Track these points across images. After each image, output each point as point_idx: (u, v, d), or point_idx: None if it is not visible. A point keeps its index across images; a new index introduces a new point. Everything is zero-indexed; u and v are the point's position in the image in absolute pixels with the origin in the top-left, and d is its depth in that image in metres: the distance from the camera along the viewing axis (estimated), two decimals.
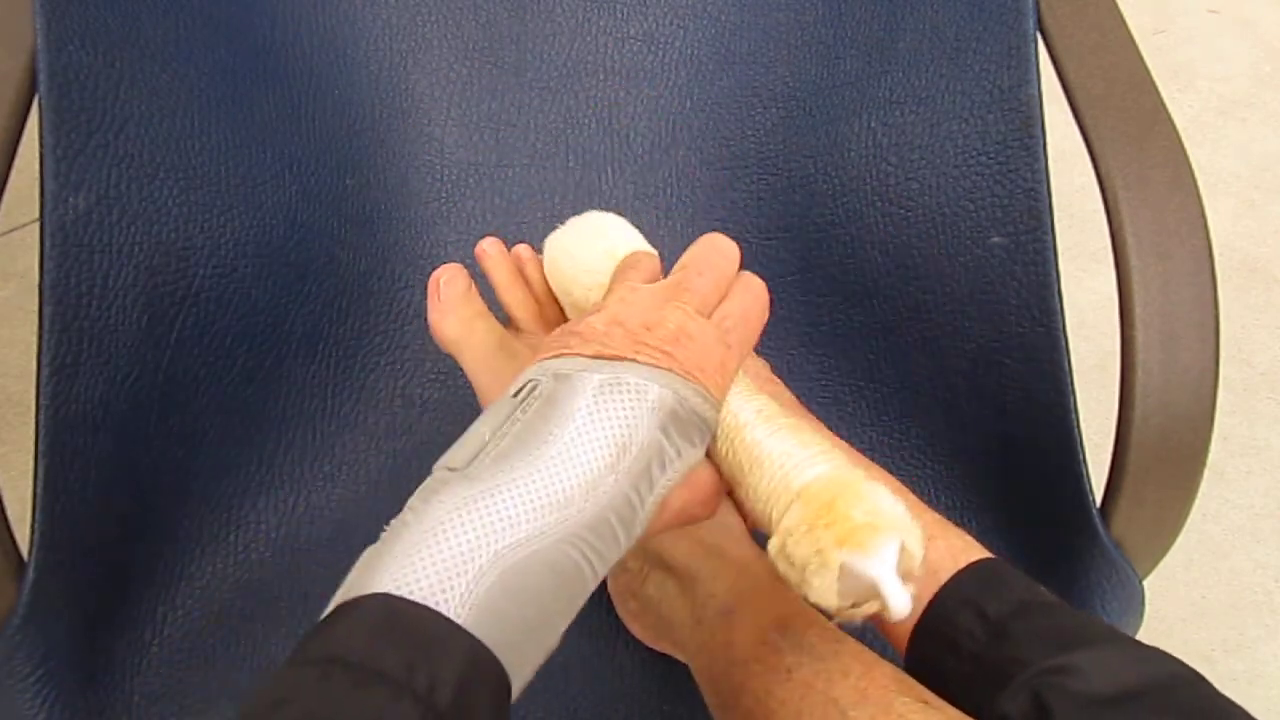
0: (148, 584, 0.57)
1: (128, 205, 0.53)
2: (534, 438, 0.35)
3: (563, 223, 0.54)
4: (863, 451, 0.65)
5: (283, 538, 0.60)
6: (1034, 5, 0.58)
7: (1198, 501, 0.53)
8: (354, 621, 0.31)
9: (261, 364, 0.61)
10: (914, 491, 0.63)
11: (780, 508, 0.39)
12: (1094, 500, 0.54)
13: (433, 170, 0.71)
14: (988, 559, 0.45)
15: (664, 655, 0.56)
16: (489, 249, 0.54)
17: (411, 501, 0.35)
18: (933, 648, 0.43)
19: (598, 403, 0.36)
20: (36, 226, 0.51)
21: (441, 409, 0.67)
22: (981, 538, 0.60)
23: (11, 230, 1.20)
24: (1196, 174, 0.53)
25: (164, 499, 0.57)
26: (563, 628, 0.34)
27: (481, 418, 0.37)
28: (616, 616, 0.57)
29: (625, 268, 0.46)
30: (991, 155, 0.58)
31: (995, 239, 0.58)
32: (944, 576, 0.44)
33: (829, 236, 0.67)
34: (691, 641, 0.48)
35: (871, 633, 0.55)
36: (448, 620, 0.31)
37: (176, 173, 0.56)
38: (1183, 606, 1.01)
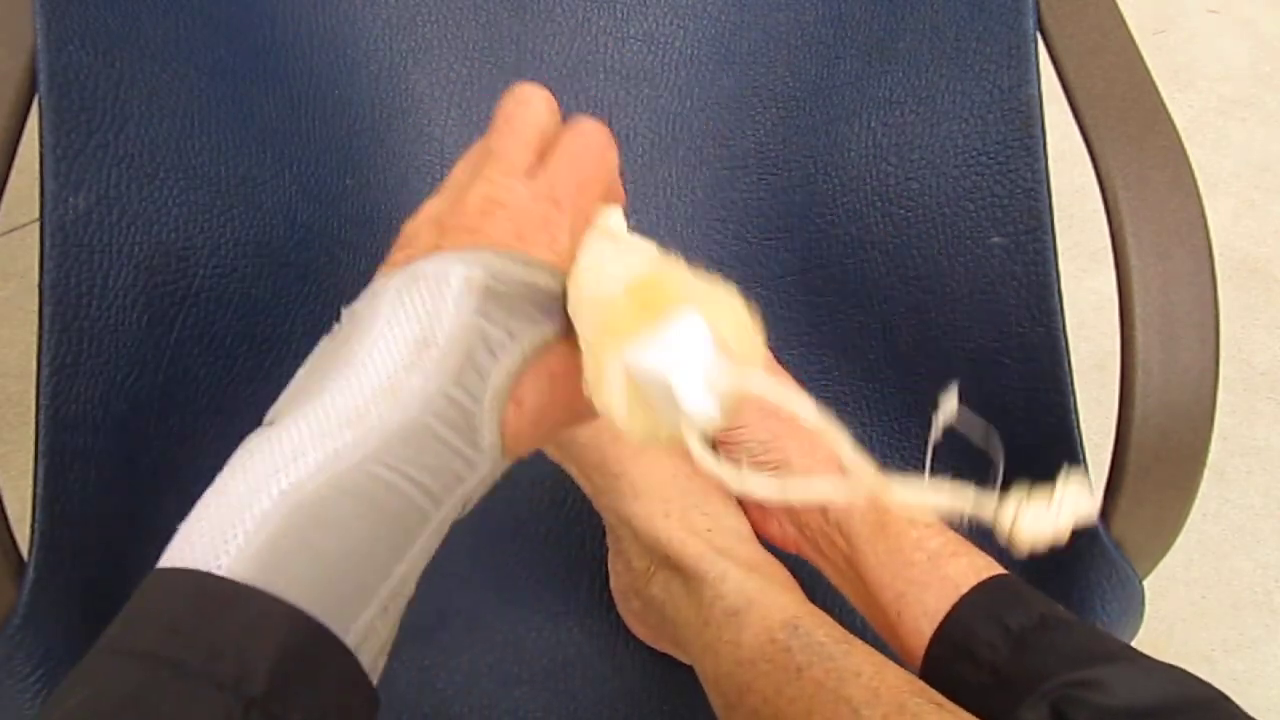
0: None
1: (128, 205, 0.53)
2: (332, 362, 0.31)
3: None
4: (863, 451, 0.65)
5: None
6: (1034, 5, 0.58)
7: (1198, 501, 0.53)
8: (143, 605, 0.28)
9: (261, 364, 0.61)
10: None
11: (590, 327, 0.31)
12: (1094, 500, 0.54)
13: (433, 170, 0.71)
14: (1008, 575, 0.45)
15: (664, 655, 0.56)
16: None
17: None
18: (950, 656, 0.43)
19: (394, 307, 0.32)
20: (36, 226, 0.51)
21: None
22: (981, 538, 0.60)
23: (11, 230, 1.20)
24: (1196, 174, 0.53)
25: (164, 499, 0.57)
26: (397, 564, 0.29)
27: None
28: (617, 616, 0.57)
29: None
30: (991, 155, 0.58)
31: (995, 239, 0.58)
32: (965, 589, 0.44)
33: (829, 236, 0.67)
34: (697, 641, 0.48)
35: (872, 637, 0.55)
36: (220, 579, 0.27)
37: (176, 173, 0.56)
38: (1183, 606, 1.01)
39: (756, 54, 0.72)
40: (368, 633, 0.28)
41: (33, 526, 0.50)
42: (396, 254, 0.34)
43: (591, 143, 0.36)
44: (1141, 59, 0.57)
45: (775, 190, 0.70)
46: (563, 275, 0.33)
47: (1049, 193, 0.56)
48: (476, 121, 0.72)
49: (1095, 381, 0.64)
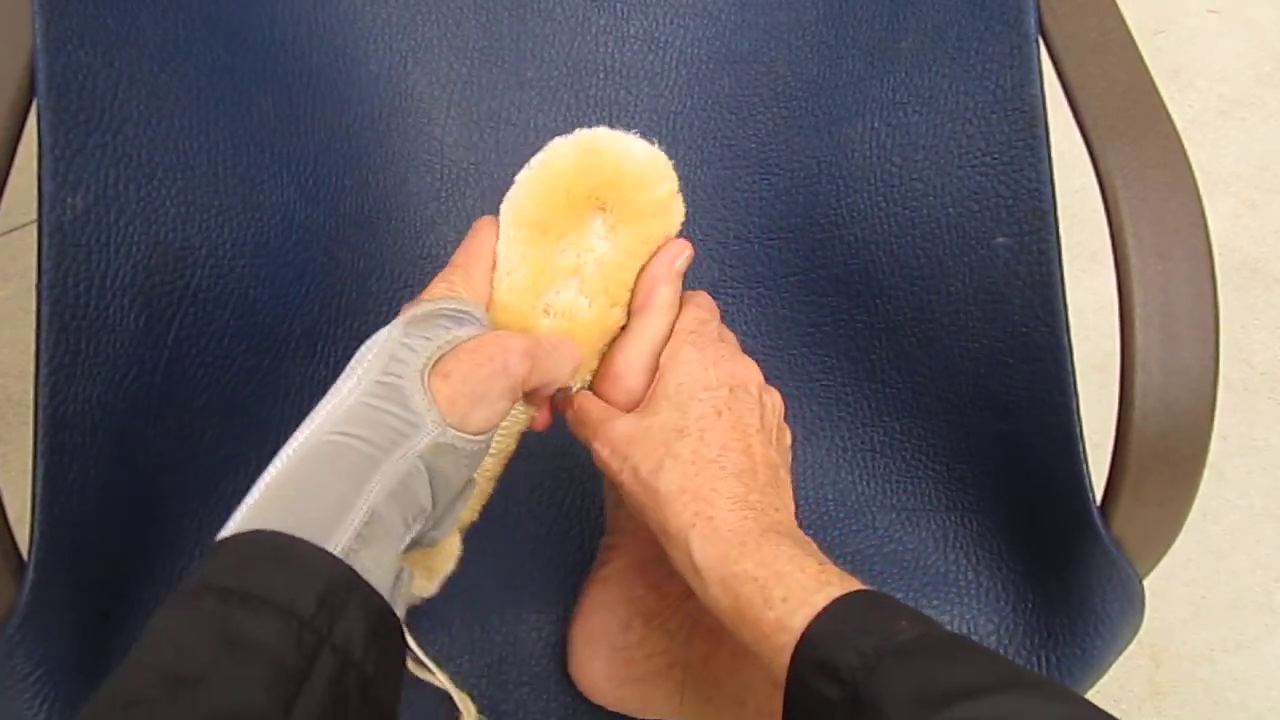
0: (148, 584, 0.57)
1: (125, 205, 0.53)
2: None
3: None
4: (864, 452, 0.65)
5: None
6: (1035, 5, 0.58)
7: (1198, 501, 0.53)
8: (210, 562, 0.36)
9: (260, 364, 0.61)
10: (914, 491, 0.63)
11: None
12: (1094, 499, 0.54)
13: (432, 170, 0.71)
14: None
15: None
16: None
17: None
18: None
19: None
20: (36, 226, 0.51)
21: None
22: (981, 538, 0.60)
23: (11, 230, 1.20)
24: (1196, 174, 0.53)
25: (163, 499, 0.57)
26: (356, 498, 0.38)
27: None
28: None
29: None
30: (995, 156, 0.58)
31: (1000, 239, 0.58)
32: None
33: (832, 237, 0.67)
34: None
35: None
36: (267, 534, 0.36)
37: (174, 172, 0.56)
38: (1183, 606, 1.01)
39: (757, 53, 0.71)
40: (345, 556, 0.36)
41: (33, 526, 0.50)
42: None
43: (472, 232, 0.50)
44: (1141, 59, 0.57)
45: (778, 190, 0.70)
46: (462, 298, 0.47)
47: (1053, 193, 0.56)
48: (476, 121, 0.72)
49: (1095, 382, 0.64)
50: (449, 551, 0.49)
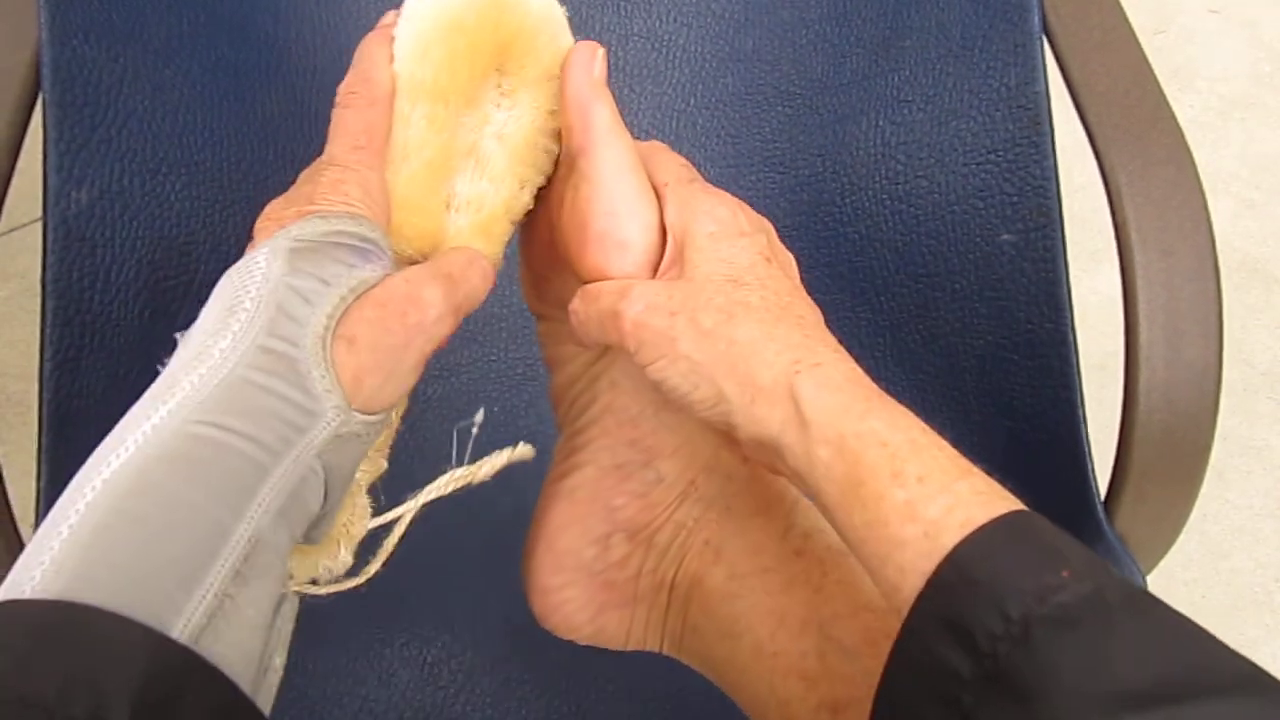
0: None
1: (130, 200, 0.53)
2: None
3: None
4: None
5: None
6: (1039, 3, 0.58)
7: (1198, 501, 0.53)
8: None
9: None
10: None
11: None
12: (1098, 495, 0.54)
13: None
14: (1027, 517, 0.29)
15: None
16: None
17: None
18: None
19: (210, 300, 0.33)
20: (35, 226, 0.51)
21: (442, 406, 0.67)
22: None
23: (11, 230, 1.20)
24: None
25: None
26: (237, 522, 0.28)
27: None
28: None
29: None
30: (1000, 153, 0.58)
31: (1005, 236, 0.58)
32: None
33: (837, 235, 0.67)
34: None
35: None
36: (49, 604, 0.25)
37: (179, 167, 0.56)
38: (1183, 606, 1.00)
39: (761, 51, 0.72)
40: (219, 603, 0.27)
41: (37, 524, 0.50)
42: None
43: (356, 101, 0.37)
44: (1145, 57, 0.57)
45: (782, 188, 0.70)
46: (364, 218, 0.35)
47: (1058, 190, 0.56)
48: None
49: (1096, 380, 0.64)
50: (359, 513, 0.38)
